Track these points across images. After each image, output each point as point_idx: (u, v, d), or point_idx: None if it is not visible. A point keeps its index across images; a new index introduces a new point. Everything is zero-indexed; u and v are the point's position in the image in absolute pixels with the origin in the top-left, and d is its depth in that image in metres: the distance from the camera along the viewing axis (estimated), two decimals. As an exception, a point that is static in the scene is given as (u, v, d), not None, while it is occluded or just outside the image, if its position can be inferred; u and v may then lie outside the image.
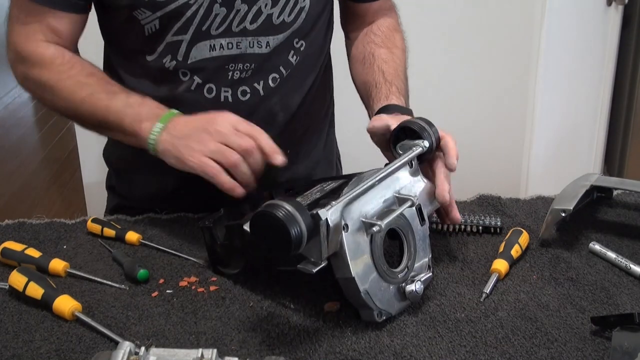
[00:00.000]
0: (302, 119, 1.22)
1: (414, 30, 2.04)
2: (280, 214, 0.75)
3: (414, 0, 2.09)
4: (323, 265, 0.80)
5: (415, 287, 0.86)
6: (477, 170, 2.24)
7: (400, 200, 0.90)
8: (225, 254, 0.96)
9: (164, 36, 1.08)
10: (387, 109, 1.07)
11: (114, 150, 1.29)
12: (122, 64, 1.16)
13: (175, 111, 1.03)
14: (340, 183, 0.93)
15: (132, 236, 1.07)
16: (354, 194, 0.84)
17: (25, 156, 4.04)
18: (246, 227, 0.81)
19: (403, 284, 0.87)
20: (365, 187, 0.86)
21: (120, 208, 1.25)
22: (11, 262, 1.00)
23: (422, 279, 0.87)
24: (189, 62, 1.09)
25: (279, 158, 0.95)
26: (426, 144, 0.95)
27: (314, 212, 0.78)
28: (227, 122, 0.97)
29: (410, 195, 0.90)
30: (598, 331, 0.84)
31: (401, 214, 0.88)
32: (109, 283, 0.95)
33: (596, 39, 2.43)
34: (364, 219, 0.84)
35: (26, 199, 3.42)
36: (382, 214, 0.86)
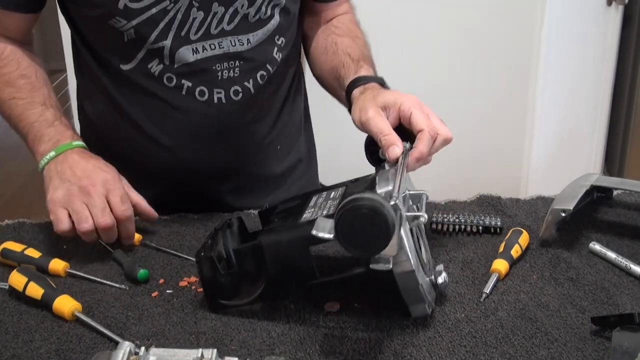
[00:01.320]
0: (288, 113, 1.24)
1: (414, 30, 2.05)
2: (377, 204, 0.72)
3: (414, 0, 2.10)
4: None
5: (444, 277, 0.87)
6: (477, 170, 2.24)
7: (413, 197, 0.90)
8: (232, 284, 0.89)
9: (141, 45, 1.08)
10: (358, 81, 1.07)
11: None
12: (102, 73, 1.14)
13: (76, 143, 1.06)
14: (344, 190, 0.92)
15: (132, 236, 1.07)
16: (397, 186, 0.82)
17: (25, 156, 4.02)
18: (315, 231, 0.77)
19: (433, 276, 0.87)
20: (401, 181, 0.84)
21: None
22: (11, 263, 1.00)
23: (442, 269, 0.88)
24: (175, 66, 1.09)
25: (152, 218, 1.05)
26: (408, 145, 0.95)
27: (392, 202, 0.76)
28: (101, 190, 0.99)
29: (423, 190, 0.91)
30: (598, 331, 0.84)
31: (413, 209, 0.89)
32: (109, 283, 0.95)
33: (596, 39, 2.43)
34: (407, 213, 0.83)
35: (26, 199, 3.41)
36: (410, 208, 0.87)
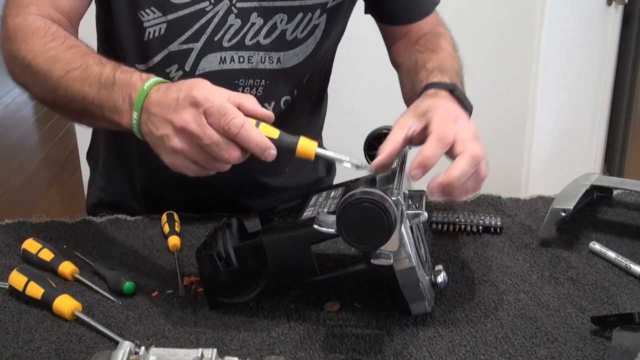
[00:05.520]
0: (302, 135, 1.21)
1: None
2: (379, 197, 0.73)
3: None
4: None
5: (443, 276, 0.86)
6: (477, 170, 2.24)
7: (412, 196, 0.90)
8: (232, 282, 0.88)
9: (167, 44, 1.03)
10: (424, 89, 0.95)
11: (100, 153, 1.25)
12: None
13: (147, 85, 0.83)
14: (344, 190, 0.92)
15: (132, 236, 1.06)
16: (397, 183, 0.82)
17: (25, 156, 4.04)
18: (317, 226, 0.77)
19: (432, 275, 0.87)
20: (402, 179, 0.84)
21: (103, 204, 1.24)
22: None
23: (441, 269, 0.87)
24: (196, 73, 1.04)
25: (270, 154, 0.80)
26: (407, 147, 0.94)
27: (394, 198, 0.76)
28: (198, 120, 0.78)
29: (421, 190, 0.90)
30: (598, 331, 0.84)
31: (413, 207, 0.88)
32: (105, 294, 0.93)
33: (596, 39, 2.43)
34: (408, 211, 0.82)
35: (26, 198, 3.42)
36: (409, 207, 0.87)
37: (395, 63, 1.19)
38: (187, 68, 1.05)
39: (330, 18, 1.09)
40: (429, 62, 1.04)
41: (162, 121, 0.80)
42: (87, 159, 1.32)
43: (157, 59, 1.04)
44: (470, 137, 0.82)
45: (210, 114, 0.78)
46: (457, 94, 0.93)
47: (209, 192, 1.16)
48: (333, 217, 0.76)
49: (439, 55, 1.07)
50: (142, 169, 1.20)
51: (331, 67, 1.23)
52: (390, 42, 1.20)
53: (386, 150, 0.83)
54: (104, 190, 1.26)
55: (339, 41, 1.19)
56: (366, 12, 1.18)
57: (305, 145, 0.82)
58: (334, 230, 0.76)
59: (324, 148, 0.84)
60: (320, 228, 0.77)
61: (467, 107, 0.93)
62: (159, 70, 1.05)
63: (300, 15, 1.06)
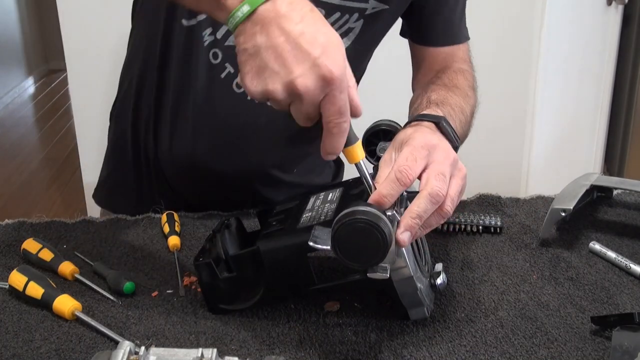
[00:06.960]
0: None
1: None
2: (373, 217, 0.73)
3: None
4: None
5: (443, 278, 0.86)
6: (477, 170, 2.24)
7: (411, 197, 0.89)
8: (231, 289, 0.89)
9: None
10: (412, 121, 0.94)
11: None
12: (162, 27, 1.07)
13: None
14: (341, 192, 0.92)
15: (132, 236, 1.06)
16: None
17: (25, 156, 4.05)
18: (312, 243, 0.77)
19: (432, 278, 0.87)
20: None
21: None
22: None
23: (441, 269, 0.87)
24: (225, 43, 1.05)
25: (345, 125, 0.75)
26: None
27: (389, 214, 0.77)
28: (343, 83, 0.71)
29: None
30: (598, 331, 0.84)
31: None
32: (105, 294, 0.93)
33: (596, 39, 2.43)
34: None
35: (26, 198, 3.42)
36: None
37: (413, 88, 1.21)
38: (219, 36, 1.06)
39: (367, 25, 1.10)
40: (434, 94, 1.03)
41: (300, 44, 0.71)
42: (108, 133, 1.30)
43: (201, 17, 1.05)
44: (435, 172, 0.80)
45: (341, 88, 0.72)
46: (441, 126, 0.91)
47: (221, 183, 1.17)
48: (328, 232, 0.76)
49: (449, 91, 1.06)
50: (155, 155, 1.19)
51: (360, 78, 1.22)
52: (416, 64, 1.21)
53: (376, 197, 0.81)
54: (110, 160, 1.26)
55: (371, 54, 1.19)
56: (401, 33, 1.20)
57: (356, 150, 0.79)
58: (329, 246, 0.76)
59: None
60: (316, 245, 0.77)
61: (452, 141, 0.91)
62: (197, 30, 1.06)
63: (338, 14, 1.07)
